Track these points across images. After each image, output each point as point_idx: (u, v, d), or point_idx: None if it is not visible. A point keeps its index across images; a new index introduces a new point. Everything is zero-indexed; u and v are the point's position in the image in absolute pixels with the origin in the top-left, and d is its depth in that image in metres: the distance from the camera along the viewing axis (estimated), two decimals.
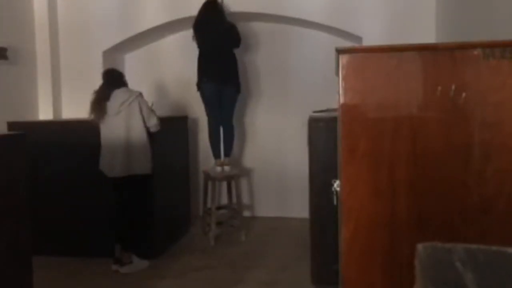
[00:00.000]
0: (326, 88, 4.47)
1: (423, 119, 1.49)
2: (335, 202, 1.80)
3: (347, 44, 4.53)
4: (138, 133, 3.48)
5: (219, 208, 4.56)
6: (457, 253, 0.67)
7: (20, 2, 4.57)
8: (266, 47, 5.01)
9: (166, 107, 5.12)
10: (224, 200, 4.92)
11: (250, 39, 5.01)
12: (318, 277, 3.08)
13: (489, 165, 1.45)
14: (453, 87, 1.46)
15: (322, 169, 2.94)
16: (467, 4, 3.33)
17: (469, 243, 0.72)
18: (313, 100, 4.46)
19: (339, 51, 1.53)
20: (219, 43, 4.35)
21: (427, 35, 4.12)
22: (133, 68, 5.26)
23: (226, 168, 4.39)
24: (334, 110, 2.48)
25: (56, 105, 4.84)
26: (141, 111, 3.50)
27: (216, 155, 4.43)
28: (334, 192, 1.82)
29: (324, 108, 3.65)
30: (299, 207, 4.69)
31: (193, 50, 5.10)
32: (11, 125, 3.94)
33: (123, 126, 3.43)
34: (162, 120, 4.21)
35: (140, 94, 3.56)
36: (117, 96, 3.46)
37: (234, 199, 4.58)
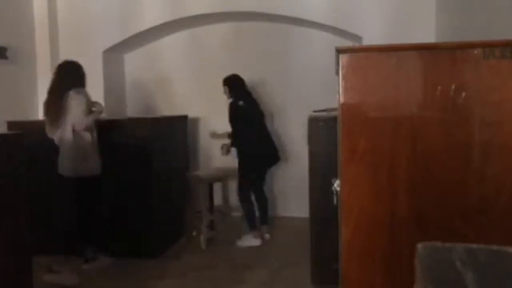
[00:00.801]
0: (326, 88, 4.46)
1: (423, 118, 1.49)
2: (335, 202, 1.80)
3: (347, 43, 4.53)
4: (65, 134, 3.40)
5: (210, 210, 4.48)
6: (457, 253, 0.67)
7: (20, 2, 4.57)
8: (266, 47, 5.00)
9: (166, 106, 5.12)
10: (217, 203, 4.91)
11: (250, 38, 5.01)
12: (318, 277, 3.08)
13: (489, 164, 1.45)
14: (453, 86, 1.46)
15: (322, 169, 2.93)
16: (467, 4, 3.33)
17: (469, 243, 0.72)
18: (313, 99, 4.46)
19: (339, 51, 1.53)
20: None
21: (427, 35, 4.12)
22: (132, 67, 5.26)
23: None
24: (334, 109, 2.48)
25: None
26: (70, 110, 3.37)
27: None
28: (334, 192, 1.82)
29: (324, 107, 3.65)
30: (299, 207, 4.68)
31: (192, 50, 5.10)
32: (11, 125, 3.94)
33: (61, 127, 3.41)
34: (162, 120, 4.22)
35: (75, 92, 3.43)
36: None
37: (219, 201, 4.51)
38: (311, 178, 3.06)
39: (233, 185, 5.08)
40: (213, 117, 5.05)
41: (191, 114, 5.00)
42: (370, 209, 1.53)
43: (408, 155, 1.50)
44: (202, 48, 5.09)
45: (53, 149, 3.54)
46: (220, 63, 4.99)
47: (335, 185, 1.73)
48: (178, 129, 4.59)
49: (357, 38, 4.42)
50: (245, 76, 5.02)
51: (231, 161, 4.57)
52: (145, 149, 3.76)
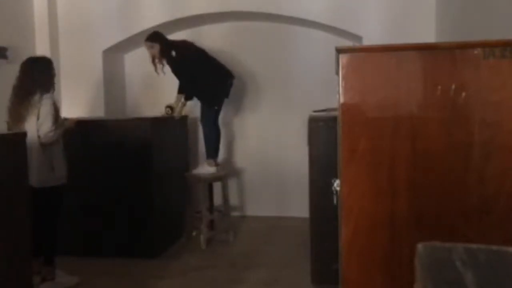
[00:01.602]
0: (326, 88, 4.47)
1: (423, 118, 1.49)
2: (335, 202, 1.80)
3: (347, 43, 4.53)
4: (30, 141, 2.81)
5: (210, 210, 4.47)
6: (457, 253, 0.67)
7: (20, 2, 4.57)
8: (266, 47, 5.00)
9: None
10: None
11: (249, 38, 5.01)
12: (318, 277, 3.08)
13: (489, 164, 1.45)
14: (453, 86, 1.46)
15: (322, 169, 2.93)
16: (467, 4, 3.33)
17: (469, 243, 0.72)
18: (313, 99, 4.46)
19: (339, 51, 1.53)
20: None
21: (427, 35, 4.12)
22: (132, 67, 5.25)
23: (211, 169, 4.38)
24: (334, 109, 2.48)
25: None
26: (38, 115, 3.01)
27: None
28: (334, 192, 1.82)
29: (324, 107, 3.65)
30: (299, 207, 4.68)
31: None
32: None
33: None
34: (162, 120, 4.21)
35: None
36: None
37: (217, 200, 4.51)
38: (311, 178, 3.06)
39: (243, 183, 5.09)
40: None
41: (191, 114, 5.00)
42: (370, 209, 1.53)
43: (408, 155, 1.50)
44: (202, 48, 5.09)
45: None
46: None
47: (335, 185, 1.73)
48: (178, 129, 4.60)
49: (357, 38, 4.43)
50: (245, 76, 5.03)
51: (230, 160, 4.57)
52: (145, 149, 3.76)
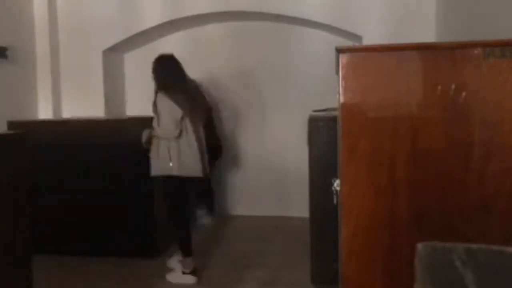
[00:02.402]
0: (326, 88, 4.46)
1: (423, 118, 1.49)
2: (335, 202, 1.80)
3: (347, 43, 4.53)
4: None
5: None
6: (457, 253, 0.67)
7: (20, 2, 4.57)
8: (266, 46, 5.00)
9: None
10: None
11: (249, 38, 5.01)
12: (318, 277, 3.08)
13: (489, 164, 1.45)
14: (453, 86, 1.46)
15: (322, 168, 2.93)
16: (467, 4, 3.33)
17: (469, 243, 0.72)
18: (313, 99, 4.46)
19: (339, 50, 1.53)
20: None
21: (427, 34, 4.12)
22: (132, 67, 5.25)
23: None
24: (334, 109, 2.48)
25: (56, 104, 4.83)
26: None
27: None
28: (334, 192, 1.82)
29: (324, 107, 3.64)
30: (299, 207, 4.68)
31: (192, 49, 5.10)
32: (11, 124, 3.94)
33: None
34: None
35: None
36: None
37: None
38: (311, 178, 3.06)
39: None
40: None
41: None
42: (370, 209, 1.53)
43: (408, 155, 1.50)
44: (202, 48, 5.09)
45: (53, 148, 3.55)
46: (220, 63, 5.00)
47: (335, 185, 1.73)
48: None
49: (357, 38, 4.42)
50: (245, 76, 5.03)
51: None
52: (145, 149, 3.75)
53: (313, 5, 4.45)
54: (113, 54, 5.04)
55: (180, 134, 3.19)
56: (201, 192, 4.37)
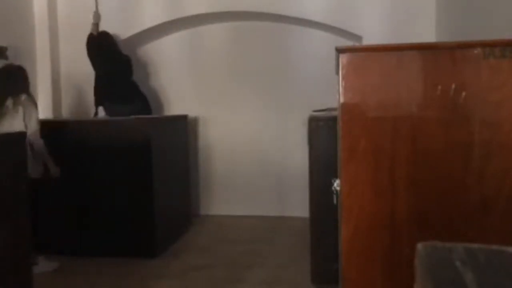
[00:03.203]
0: (326, 87, 4.47)
1: (423, 118, 1.49)
2: (335, 202, 1.80)
3: (347, 43, 4.53)
4: None
5: None
6: (457, 253, 0.67)
7: (20, 2, 4.57)
8: (266, 47, 5.00)
9: (166, 106, 5.12)
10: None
11: (249, 38, 5.01)
12: (318, 277, 3.08)
13: (489, 164, 1.45)
14: (453, 86, 1.46)
15: (322, 168, 2.93)
16: (467, 4, 3.33)
17: (469, 243, 0.72)
18: (313, 99, 4.46)
19: (339, 50, 1.53)
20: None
21: (427, 34, 4.12)
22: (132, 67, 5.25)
23: None
24: (334, 109, 2.48)
25: (56, 104, 4.84)
26: None
27: None
28: (334, 192, 1.82)
29: (324, 107, 3.64)
30: (299, 206, 4.69)
31: (192, 49, 5.10)
32: None
33: None
34: (162, 120, 4.21)
35: None
36: None
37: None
38: (311, 178, 3.06)
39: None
40: (213, 116, 5.05)
41: (191, 113, 5.00)
42: (370, 209, 1.53)
43: (408, 154, 1.50)
44: (202, 48, 5.09)
45: (52, 148, 3.54)
46: (220, 63, 5.00)
47: (335, 185, 1.73)
48: (178, 129, 4.60)
49: (357, 37, 4.43)
50: (245, 76, 5.03)
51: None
52: (145, 149, 3.76)
53: (313, 5, 4.45)
54: None
55: None
56: None
